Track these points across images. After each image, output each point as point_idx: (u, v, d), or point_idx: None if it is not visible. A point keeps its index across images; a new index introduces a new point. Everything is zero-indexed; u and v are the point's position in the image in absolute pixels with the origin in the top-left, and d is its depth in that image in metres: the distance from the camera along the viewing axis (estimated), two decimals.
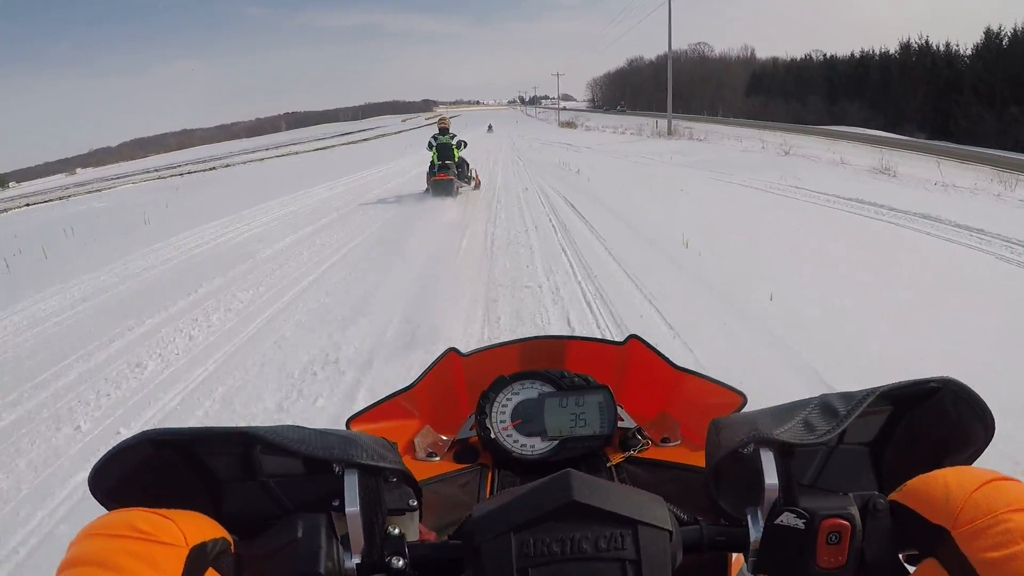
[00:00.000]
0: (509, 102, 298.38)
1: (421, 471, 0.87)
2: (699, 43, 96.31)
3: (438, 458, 0.98)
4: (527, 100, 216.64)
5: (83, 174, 70.03)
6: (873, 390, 0.55)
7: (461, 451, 0.98)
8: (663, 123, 37.54)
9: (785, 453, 0.54)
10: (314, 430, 0.55)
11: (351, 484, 0.52)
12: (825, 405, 0.56)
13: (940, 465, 0.53)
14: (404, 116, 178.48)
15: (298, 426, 0.55)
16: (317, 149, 46.27)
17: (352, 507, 0.52)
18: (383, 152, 31.32)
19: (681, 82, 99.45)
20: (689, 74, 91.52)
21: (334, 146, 49.44)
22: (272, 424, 0.55)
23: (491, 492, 0.88)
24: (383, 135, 66.02)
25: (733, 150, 22.78)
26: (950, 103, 46.08)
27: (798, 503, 0.52)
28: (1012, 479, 0.47)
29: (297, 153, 42.34)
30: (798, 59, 68.31)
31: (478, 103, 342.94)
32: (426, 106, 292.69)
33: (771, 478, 0.53)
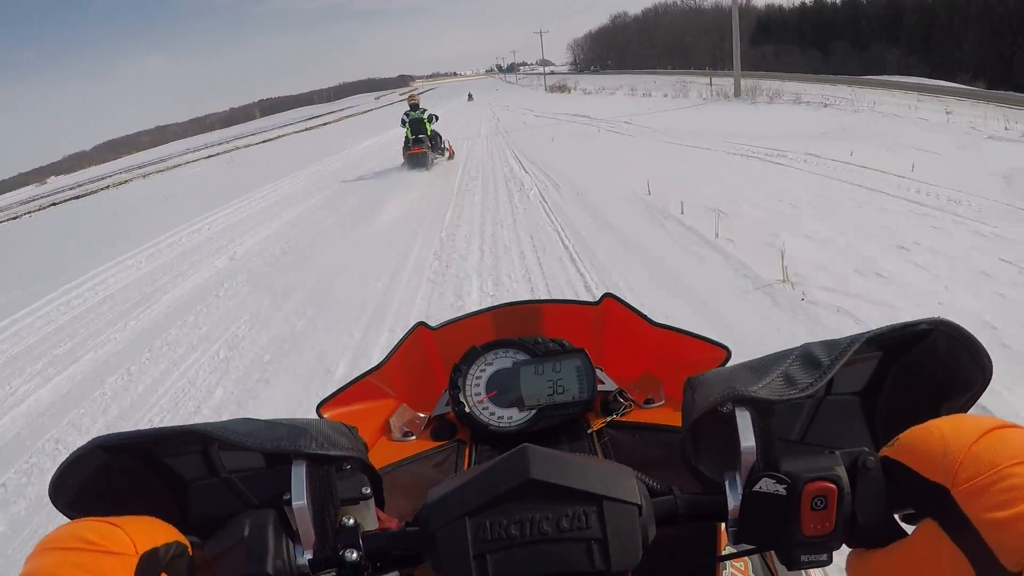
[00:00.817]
0: (487, 71, 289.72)
1: (397, 452, 0.87)
2: None
3: (414, 437, 0.93)
4: (505, 68, 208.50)
5: (55, 182, 68.58)
6: (858, 336, 0.50)
7: (438, 428, 0.94)
8: (721, 81, 28.47)
9: (764, 411, 0.50)
10: (265, 421, 0.53)
11: (298, 476, 0.50)
12: (807, 355, 0.52)
13: (937, 411, 0.52)
14: (378, 93, 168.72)
15: (249, 419, 0.53)
16: (264, 141, 40.59)
17: (299, 500, 0.49)
18: (338, 140, 25.48)
19: (675, 36, 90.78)
20: (683, 26, 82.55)
21: (280, 136, 42.93)
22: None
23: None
24: (349, 116, 60.35)
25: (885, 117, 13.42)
26: (1014, 47, 37.64)
27: (779, 466, 0.48)
28: (1014, 425, 0.42)
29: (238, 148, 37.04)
30: (810, 2, 59.18)
31: (455, 74, 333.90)
32: (402, 81, 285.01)
33: (748, 440, 0.49)
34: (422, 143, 11.53)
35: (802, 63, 53.29)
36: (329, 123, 50.73)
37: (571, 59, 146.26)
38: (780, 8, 64.65)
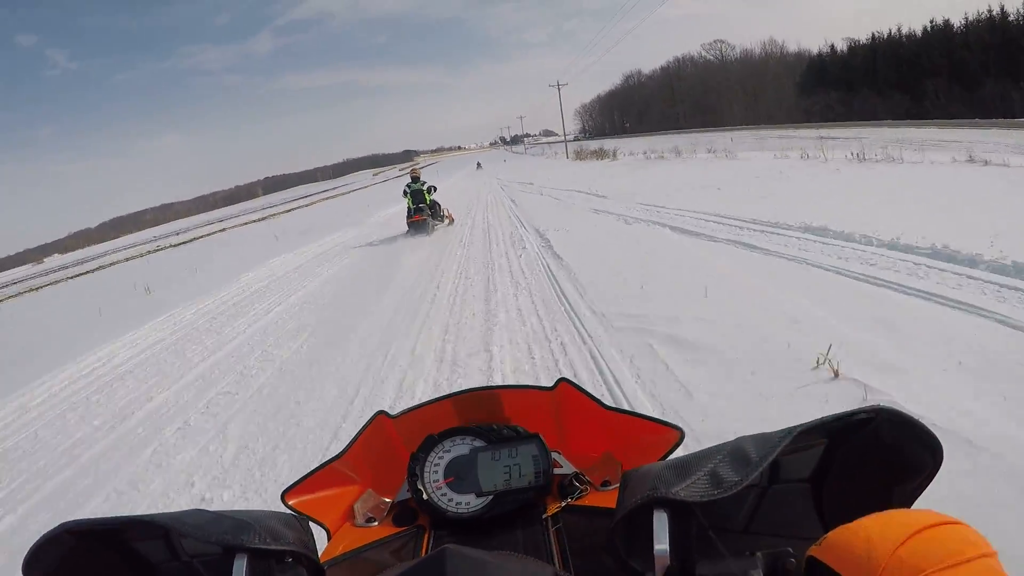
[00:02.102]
0: (491, 143, 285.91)
1: (359, 538, 0.87)
2: (715, 42, 76.87)
3: (377, 523, 0.93)
4: (509, 139, 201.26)
5: (51, 261, 66.50)
6: (790, 431, 0.49)
7: (400, 513, 0.93)
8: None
9: (683, 513, 0.49)
10: (216, 513, 0.54)
11: (239, 569, 0.51)
12: (737, 452, 0.50)
13: (888, 497, 0.51)
14: (376, 170, 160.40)
15: (201, 510, 0.55)
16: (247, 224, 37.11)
17: None
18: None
19: (704, 89, 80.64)
20: (713, 80, 72.04)
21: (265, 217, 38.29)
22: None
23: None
24: (339, 194, 55.80)
25: None
26: None
27: (694, 571, 0.47)
28: (952, 521, 0.39)
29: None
30: (885, 36, 47.86)
31: (460, 148, 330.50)
32: (406, 156, 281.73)
33: (661, 543, 0.48)
34: (422, 211, 12.41)
35: (882, 108, 41.91)
36: (316, 202, 47.89)
37: (579, 127, 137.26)
38: (838, 49, 53.39)
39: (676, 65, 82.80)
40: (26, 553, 0.50)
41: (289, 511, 0.85)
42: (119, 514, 0.59)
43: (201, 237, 36.38)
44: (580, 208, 12.07)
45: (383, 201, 27.31)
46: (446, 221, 13.15)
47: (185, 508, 0.53)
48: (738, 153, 19.76)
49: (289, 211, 42.98)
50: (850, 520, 0.43)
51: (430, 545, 0.85)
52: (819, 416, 0.51)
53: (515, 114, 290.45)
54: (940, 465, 0.49)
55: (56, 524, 0.52)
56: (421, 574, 0.48)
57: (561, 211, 12.10)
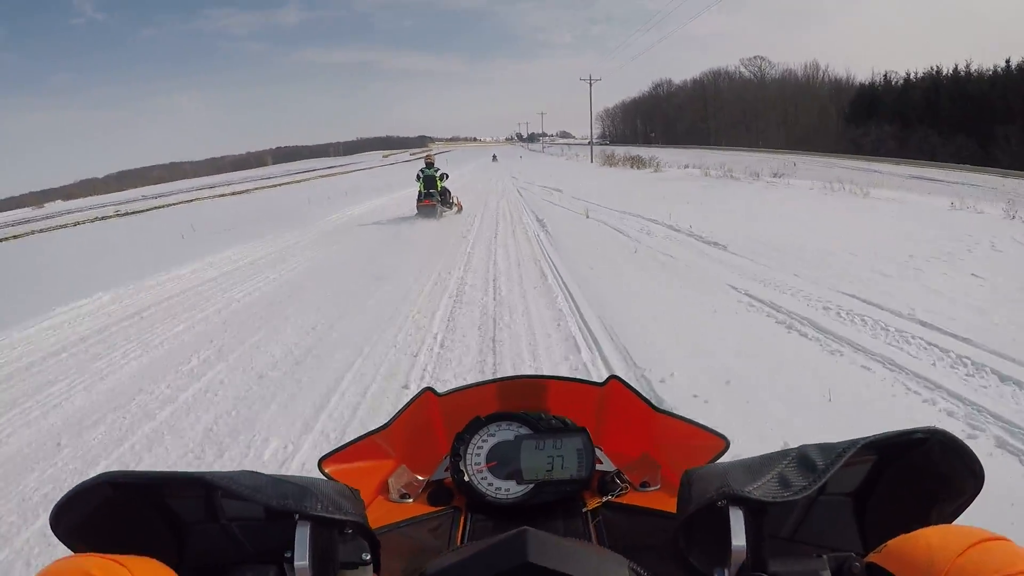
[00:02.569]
0: (507, 139, 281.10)
1: (393, 513, 0.87)
2: (755, 58, 72.60)
3: (411, 500, 0.93)
4: (526, 136, 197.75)
5: (51, 207, 64.64)
6: (855, 442, 0.50)
7: (435, 492, 0.92)
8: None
9: (757, 511, 0.49)
10: (271, 477, 0.53)
11: (302, 536, 0.50)
12: (803, 458, 0.51)
13: (927, 516, 0.52)
14: (387, 152, 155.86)
15: (255, 472, 0.53)
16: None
17: (301, 560, 0.49)
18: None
19: (741, 106, 76.38)
20: (750, 97, 67.91)
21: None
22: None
23: (462, 537, 0.81)
24: (335, 174, 50.58)
25: None
26: None
27: (767, 567, 0.48)
28: (1000, 538, 0.42)
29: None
30: (950, 72, 43.71)
31: (475, 139, 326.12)
32: (421, 142, 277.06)
33: (739, 539, 0.48)
34: (432, 197, 12.89)
35: (941, 149, 37.79)
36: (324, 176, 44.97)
37: (600, 131, 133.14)
38: (892, 80, 49.27)
39: (712, 78, 78.65)
40: (60, 498, 0.48)
41: (325, 478, 0.81)
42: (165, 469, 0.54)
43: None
44: (695, 273, 6.35)
45: (376, 188, 24.24)
46: (454, 208, 13.52)
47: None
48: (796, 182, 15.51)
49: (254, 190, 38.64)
50: (889, 536, 0.46)
51: (467, 528, 0.83)
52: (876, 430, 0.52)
53: (533, 112, 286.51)
54: (980, 491, 0.50)
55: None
56: (502, 551, 0.47)
57: (662, 284, 6.01)
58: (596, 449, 0.90)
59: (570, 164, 37.81)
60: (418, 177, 13.19)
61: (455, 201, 13.73)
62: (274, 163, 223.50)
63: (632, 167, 28.95)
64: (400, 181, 24.71)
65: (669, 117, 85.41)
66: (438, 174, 13.11)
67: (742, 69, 73.38)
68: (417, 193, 13.17)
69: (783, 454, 0.52)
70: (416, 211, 13.08)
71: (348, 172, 53.42)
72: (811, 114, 56.74)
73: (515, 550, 0.46)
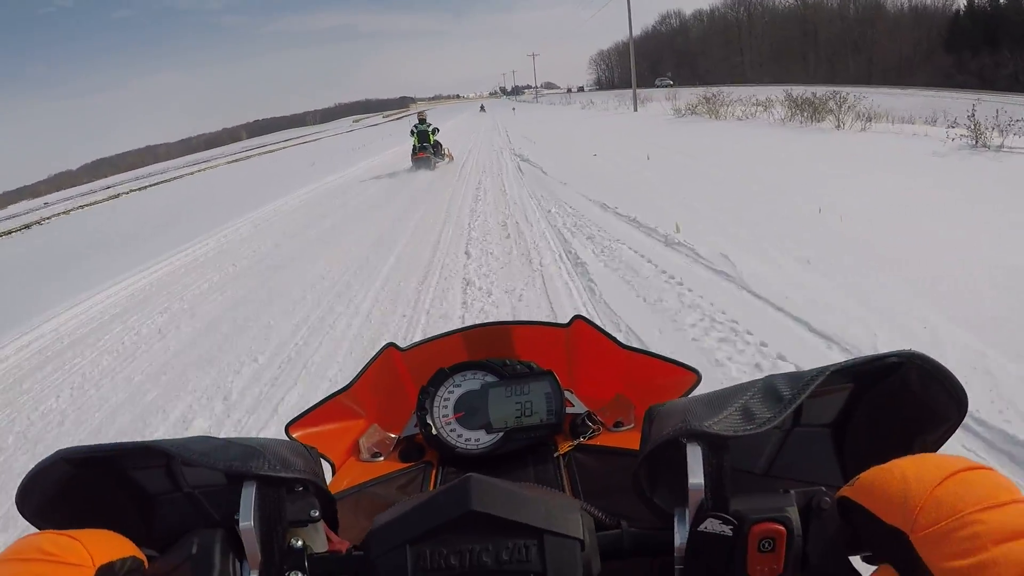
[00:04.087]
0: (491, 93, 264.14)
1: (365, 472, 0.85)
2: None
3: (382, 458, 0.90)
4: (509, 90, 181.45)
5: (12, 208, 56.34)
6: (823, 369, 0.47)
7: (406, 449, 0.90)
8: None
9: (717, 447, 0.46)
10: (223, 441, 0.52)
11: (247, 498, 0.48)
12: (769, 388, 0.48)
13: (910, 445, 0.50)
14: (357, 117, 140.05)
15: (208, 437, 0.52)
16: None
17: (245, 521, 0.47)
18: None
19: (785, 37, 61.23)
20: (793, 26, 53.13)
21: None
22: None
23: None
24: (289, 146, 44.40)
25: None
26: None
27: (728, 506, 0.45)
28: (982, 467, 0.39)
29: None
30: None
31: (458, 96, 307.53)
32: (403, 103, 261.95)
33: (696, 477, 0.45)
34: (426, 149, 13.49)
35: None
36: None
37: (594, 77, 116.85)
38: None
39: (740, 5, 63.42)
40: (21, 481, 0.48)
41: (285, 439, 0.78)
42: (126, 440, 0.54)
43: None
44: None
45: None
46: (446, 159, 14.12)
47: (192, 437, 0.52)
48: None
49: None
50: (870, 467, 0.43)
51: (438, 481, 0.82)
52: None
53: (515, 64, 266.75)
54: (964, 417, 0.48)
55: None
56: (447, 500, 0.46)
57: None
58: (567, 392, 0.88)
59: (597, 116, 24.00)
60: (412, 132, 13.90)
61: (446, 152, 14.27)
62: (249, 137, 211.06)
63: (708, 116, 15.99)
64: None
65: (685, 53, 70.36)
66: (430, 129, 13.71)
67: None
68: (412, 147, 13.81)
69: (748, 385, 0.49)
70: (412, 164, 13.69)
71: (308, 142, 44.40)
72: (899, 42, 42.18)
73: (459, 499, 0.46)
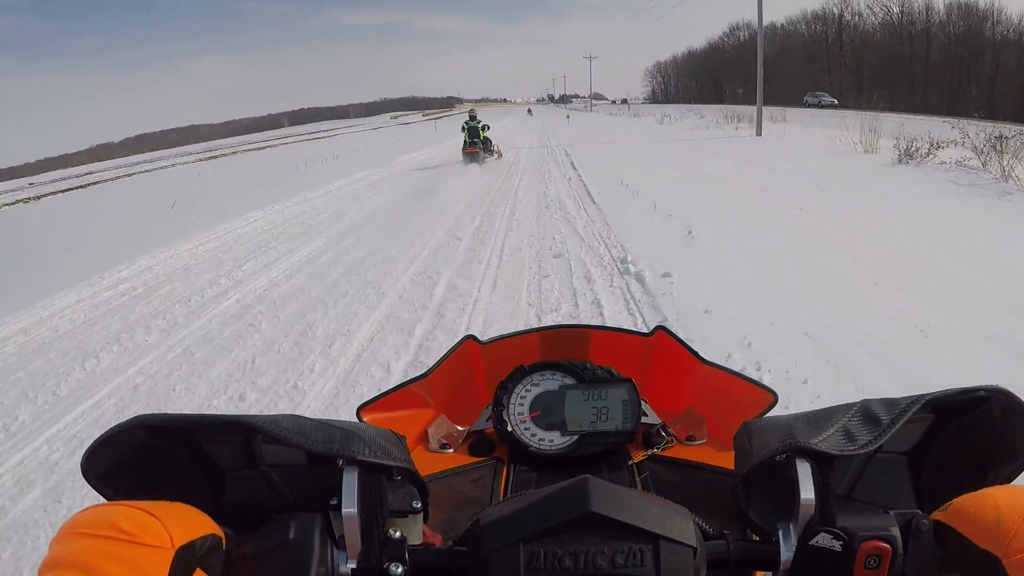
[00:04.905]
0: (538, 100, 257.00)
1: (433, 463, 0.83)
2: None
3: (451, 450, 0.89)
4: (556, 98, 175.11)
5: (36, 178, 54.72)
6: (919, 397, 0.48)
7: (476, 443, 0.89)
8: None
9: (823, 464, 0.47)
10: (316, 421, 0.49)
11: (350, 483, 0.46)
12: (866, 411, 0.49)
13: (983, 478, 0.50)
14: (396, 114, 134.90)
15: (299, 416, 0.49)
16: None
17: (349, 508, 0.45)
18: None
19: (889, 57, 53.00)
20: (899, 46, 45.46)
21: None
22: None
23: (505, 489, 0.79)
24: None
25: None
26: None
27: (835, 522, 0.45)
28: None
29: None
30: None
31: (505, 100, 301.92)
32: (449, 103, 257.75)
33: (807, 492, 0.46)
34: (476, 145, 13.97)
35: None
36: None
37: (649, 89, 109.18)
38: None
39: (817, 21, 55.63)
40: (91, 442, 0.45)
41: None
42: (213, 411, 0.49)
43: None
44: None
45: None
46: (495, 155, 14.63)
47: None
48: None
49: None
50: (945, 498, 0.45)
51: (510, 479, 0.80)
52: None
53: (562, 72, 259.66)
54: None
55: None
56: (565, 500, 0.44)
57: None
58: (641, 401, 0.86)
59: (705, 142, 16.57)
60: (463, 128, 14.41)
61: (496, 148, 14.74)
62: (290, 125, 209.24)
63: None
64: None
65: (749, 69, 62.87)
66: (480, 125, 14.10)
67: (889, 6, 50.00)
68: (463, 142, 14.28)
69: (845, 407, 0.50)
70: (462, 158, 14.03)
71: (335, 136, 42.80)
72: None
73: (577, 499, 0.44)
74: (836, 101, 37.85)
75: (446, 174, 11.56)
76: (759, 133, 16.43)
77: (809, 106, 37.40)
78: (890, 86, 42.31)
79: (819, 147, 12.50)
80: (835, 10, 54.16)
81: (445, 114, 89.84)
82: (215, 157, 36.79)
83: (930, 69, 41.34)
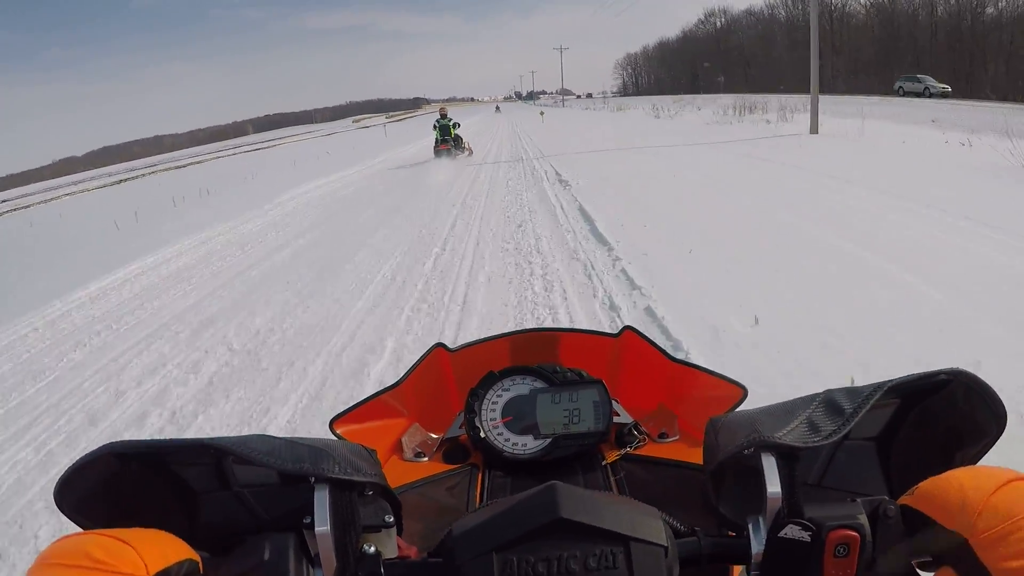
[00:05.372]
0: (505, 97, 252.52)
1: (408, 473, 0.84)
2: None
3: (426, 458, 0.89)
4: (524, 95, 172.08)
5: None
6: (880, 385, 0.49)
7: (451, 450, 0.89)
8: None
9: (789, 457, 0.48)
10: (285, 439, 0.49)
11: (321, 500, 0.46)
12: (830, 402, 0.50)
13: (950, 459, 0.51)
14: (359, 117, 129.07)
15: (267, 436, 0.50)
16: None
17: (322, 526, 0.46)
18: None
19: (890, 35, 48.97)
20: (902, 24, 41.76)
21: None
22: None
23: (480, 495, 0.79)
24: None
25: None
26: None
27: (803, 513, 0.46)
28: None
29: None
30: None
31: (472, 99, 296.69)
32: (416, 104, 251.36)
33: (773, 485, 0.46)
34: (447, 142, 14.67)
35: None
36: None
37: (620, 82, 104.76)
38: None
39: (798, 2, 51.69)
40: (63, 472, 0.44)
41: (337, 439, 0.78)
42: (167, 436, 0.50)
43: None
44: None
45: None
46: (466, 152, 14.96)
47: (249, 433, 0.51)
48: None
49: None
50: (913, 480, 0.45)
51: (485, 485, 0.81)
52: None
53: (530, 69, 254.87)
54: (1002, 433, 0.49)
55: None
56: (534, 507, 0.45)
57: None
58: (612, 401, 0.86)
59: (738, 147, 12.03)
60: (434, 127, 14.96)
61: (466, 146, 15.10)
62: (255, 132, 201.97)
63: None
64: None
65: (732, 56, 58.59)
66: (451, 123, 14.67)
67: None
68: (435, 140, 14.84)
69: (808, 399, 0.50)
70: (434, 154, 14.59)
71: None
72: None
73: (546, 505, 0.44)
74: (948, 88, 29.38)
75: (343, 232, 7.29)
76: (814, 130, 11.96)
77: (906, 94, 29.71)
78: (884, 69, 38.39)
79: (943, 156, 8.04)
80: None
81: (408, 116, 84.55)
82: (126, 180, 31.77)
83: (935, 50, 37.54)
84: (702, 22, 71.01)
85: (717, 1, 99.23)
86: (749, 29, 60.10)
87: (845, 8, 47.74)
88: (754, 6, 59.76)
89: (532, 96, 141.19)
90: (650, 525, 0.45)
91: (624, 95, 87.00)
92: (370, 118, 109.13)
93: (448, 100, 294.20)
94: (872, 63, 42.27)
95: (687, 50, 73.09)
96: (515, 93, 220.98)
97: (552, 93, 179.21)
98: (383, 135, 29.52)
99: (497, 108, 41.80)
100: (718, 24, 67.34)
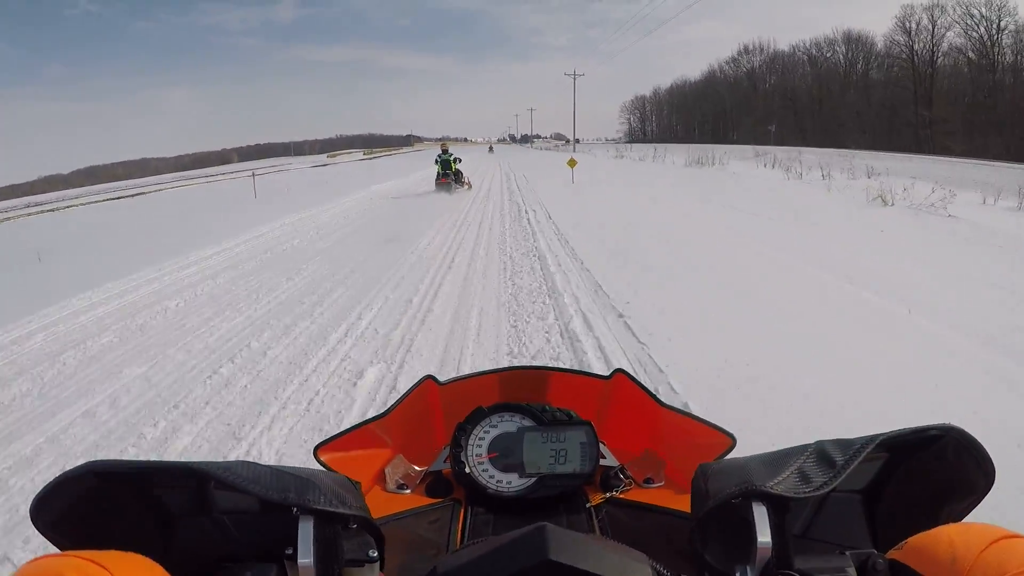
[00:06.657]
0: (498, 139, 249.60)
1: (390, 504, 0.82)
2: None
3: (409, 491, 0.87)
4: (518, 137, 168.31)
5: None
6: (873, 437, 0.48)
7: (434, 484, 0.87)
8: None
9: (779, 507, 0.47)
10: (270, 468, 0.48)
11: (305, 532, 0.45)
12: (821, 453, 0.49)
13: (937, 514, 0.50)
14: (332, 152, 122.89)
15: (253, 462, 0.48)
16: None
17: (305, 558, 0.45)
18: None
19: (915, 98, 42.13)
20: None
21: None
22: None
23: (462, 532, 0.76)
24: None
25: None
26: None
27: (792, 564, 0.45)
28: (1018, 535, 0.41)
29: None
30: None
31: (465, 140, 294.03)
32: (407, 141, 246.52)
33: (764, 535, 0.45)
34: (448, 176, 15.73)
35: None
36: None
37: (625, 126, 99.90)
38: None
39: (860, 45, 46.82)
40: (42, 488, 0.43)
41: (321, 466, 0.78)
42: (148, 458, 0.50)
43: None
44: None
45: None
46: (465, 186, 16.06)
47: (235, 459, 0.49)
48: None
49: None
50: (900, 534, 0.44)
51: (467, 521, 0.78)
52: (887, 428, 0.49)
53: (524, 112, 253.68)
54: (990, 489, 0.48)
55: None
56: (522, 548, 0.43)
57: None
58: (600, 443, 0.85)
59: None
60: (436, 161, 16.05)
61: (466, 181, 16.22)
62: (240, 160, 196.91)
63: None
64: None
65: (743, 106, 53.60)
66: (452, 158, 15.66)
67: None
68: (436, 174, 15.99)
69: (800, 449, 0.50)
70: (435, 188, 15.83)
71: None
72: None
73: (535, 547, 0.42)
74: None
75: None
76: None
77: None
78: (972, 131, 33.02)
79: None
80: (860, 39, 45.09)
81: (394, 152, 78.70)
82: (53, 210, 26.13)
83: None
84: (732, 60, 65.75)
85: (753, 35, 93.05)
86: (764, 77, 55.31)
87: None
88: (802, 42, 53.55)
89: (526, 139, 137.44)
90: (638, 571, 0.43)
91: (631, 141, 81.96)
92: (348, 153, 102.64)
93: (441, 139, 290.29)
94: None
95: (714, 92, 67.33)
96: (509, 135, 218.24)
97: (546, 137, 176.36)
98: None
99: (491, 148, 40.55)
100: (755, 63, 61.94)
